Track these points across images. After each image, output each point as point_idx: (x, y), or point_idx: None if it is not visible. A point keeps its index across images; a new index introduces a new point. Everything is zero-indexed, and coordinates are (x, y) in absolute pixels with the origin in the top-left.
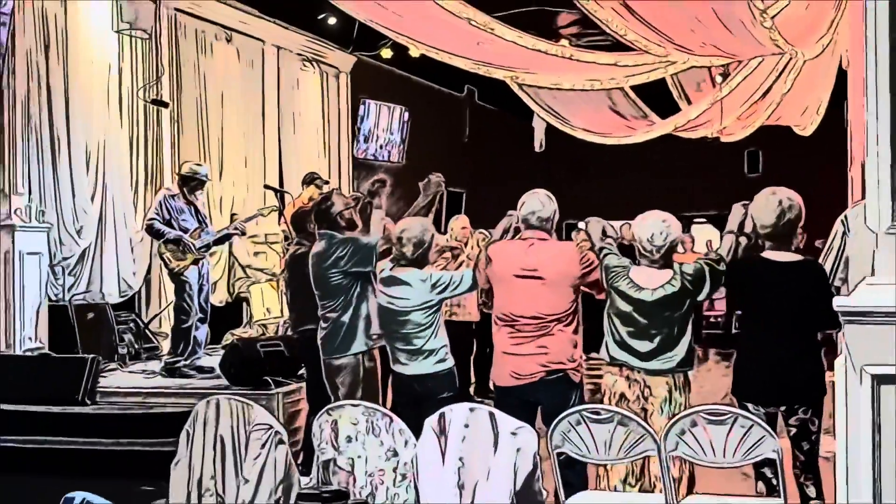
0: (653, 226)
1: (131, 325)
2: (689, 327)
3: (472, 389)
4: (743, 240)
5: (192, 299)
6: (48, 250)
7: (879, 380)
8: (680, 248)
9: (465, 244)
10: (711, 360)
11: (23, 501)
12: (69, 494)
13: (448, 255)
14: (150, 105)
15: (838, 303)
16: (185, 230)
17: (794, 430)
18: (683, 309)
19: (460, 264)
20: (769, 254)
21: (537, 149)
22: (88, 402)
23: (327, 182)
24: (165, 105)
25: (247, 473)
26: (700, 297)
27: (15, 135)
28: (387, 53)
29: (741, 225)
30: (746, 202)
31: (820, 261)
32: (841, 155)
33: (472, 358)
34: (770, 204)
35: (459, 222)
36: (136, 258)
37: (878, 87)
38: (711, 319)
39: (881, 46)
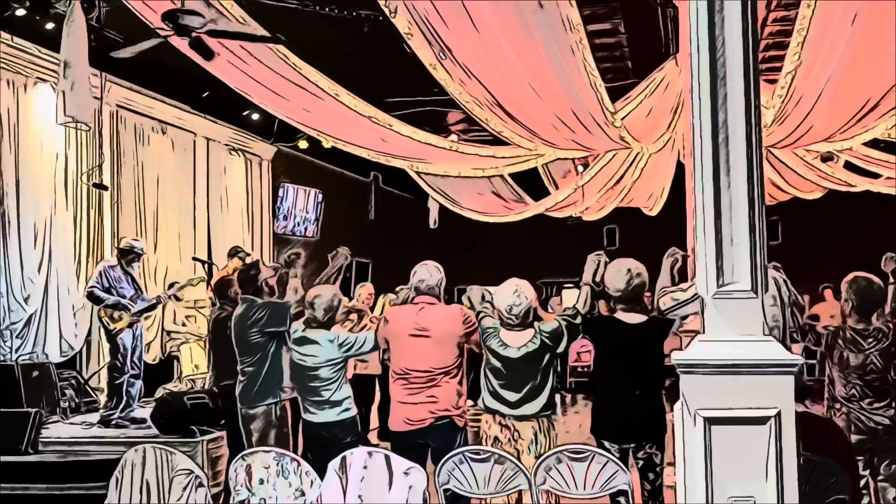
0: (507, 298)
1: (72, 381)
2: (551, 378)
3: (376, 433)
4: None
5: (126, 358)
6: None
7: (710, 421)
8: (550, 309)
9: (371, 308)
10: (580, 404)
11: None
12: None
13: (354, 316)
14: (93, 188)
15: (675, 356)
16: (123, 297)
17: (641, 463)
18: (544, 363)
19: (364, 326)
20: (620, 315)
21: (432, 226)
22: (31, 451)
23: (249, 254)
24: (105, 188)
25: None
26: (559, 350)
27: None
28: (303, 144)
29: (594, 274)
30: (599, 252)
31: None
32: (682, 231)
33: (373, 406)
34: (621, 273)
35: (366, 289)
36: (77, 322)
37: (704, 182)
38: (578, 370)
39: (706, 148)
